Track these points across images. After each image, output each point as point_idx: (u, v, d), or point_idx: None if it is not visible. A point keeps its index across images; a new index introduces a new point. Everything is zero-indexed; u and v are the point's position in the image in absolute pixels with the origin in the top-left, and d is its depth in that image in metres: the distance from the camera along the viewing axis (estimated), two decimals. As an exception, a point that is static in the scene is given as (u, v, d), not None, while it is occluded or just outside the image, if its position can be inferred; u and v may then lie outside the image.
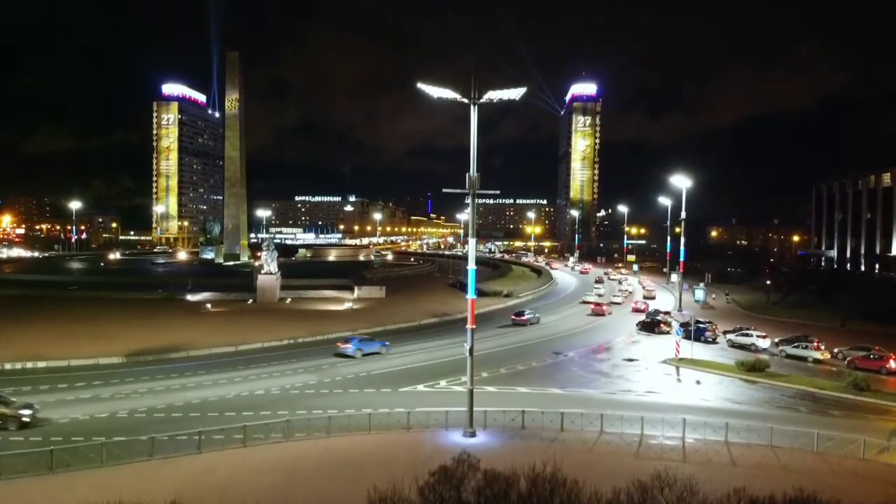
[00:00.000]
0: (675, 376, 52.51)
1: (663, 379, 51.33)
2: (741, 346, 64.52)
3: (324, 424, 35.88)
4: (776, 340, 64.90)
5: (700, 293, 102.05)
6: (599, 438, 35.47)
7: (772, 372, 51.96)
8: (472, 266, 37.59)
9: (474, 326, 36.72)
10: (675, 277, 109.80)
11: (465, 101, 35.84)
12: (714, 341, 67.29)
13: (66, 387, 46.81)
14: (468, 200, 38.64)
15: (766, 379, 50.34)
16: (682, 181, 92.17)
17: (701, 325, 67.74)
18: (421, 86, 35.61)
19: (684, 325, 68.61)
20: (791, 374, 51.53)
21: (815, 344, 61.02)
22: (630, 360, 58.44)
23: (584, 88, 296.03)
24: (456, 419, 36.74)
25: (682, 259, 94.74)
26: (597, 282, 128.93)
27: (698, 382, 50.35)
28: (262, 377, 50.21)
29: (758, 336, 65.16)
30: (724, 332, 69.45)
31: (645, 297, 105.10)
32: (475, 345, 36.99)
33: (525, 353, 60.13)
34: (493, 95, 35.94)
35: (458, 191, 37.95)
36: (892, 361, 54.64)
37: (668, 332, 71.23)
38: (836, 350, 61.18)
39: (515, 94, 35.99)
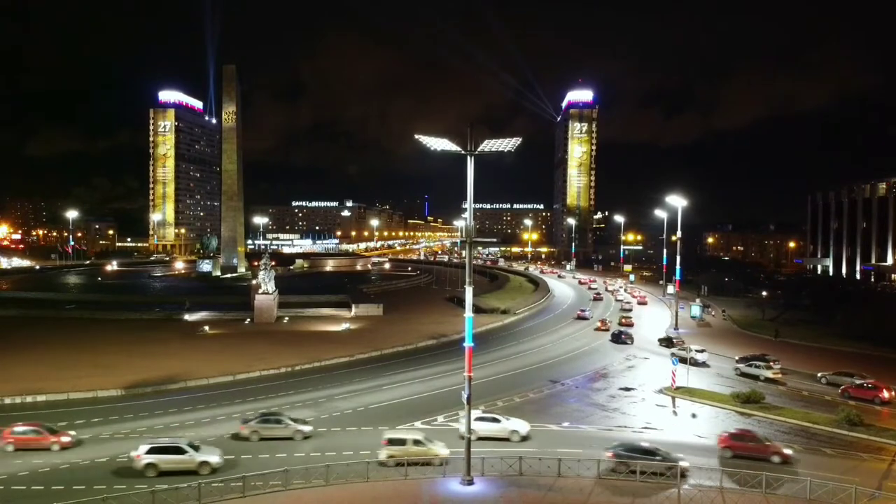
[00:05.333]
0: (670, 408, 52.77)
1: (659, 412, 51.59)
2: (683, 360, 66.21)
3: (322, 472, 36.13)
4: (737, 358, 68.36)
5: (696, 309, 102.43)
6: (595, 486, 35.80)
7: (767, 404, 52.32)
8: (468, 314, 37.90)
9: (471, 375, 37.07)
10: (671, 289, 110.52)
11: (463, 152, 36.20)
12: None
13: (65, 425, 46.89)
14: (465, 233, 39.08)
15: (761, 412, 50.68)
16: (677, 200, 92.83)
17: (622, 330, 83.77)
18: (419, 137, 36.00)
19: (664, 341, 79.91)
20: (785, 408, 51.80)
21: (769, 363, 63.94)
22: (626, 389, 58.81)
23: (581, 95, 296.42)
24: (454, 465, 37.10)
25: (678, 278, 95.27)
26: (595, 299, 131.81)
27: (694, 416, 50.71)
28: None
29: (696, 350, 69.21)
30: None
31: (624, 309, 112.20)
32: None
33: (523, 382, 60.49)
34: (489, 146, 36.30)
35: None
36: (885, 392, 55.11)
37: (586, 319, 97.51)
38: (819, 374, 63.02)
39: (511, 144, 36.36)
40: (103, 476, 37.42)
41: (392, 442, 39.30)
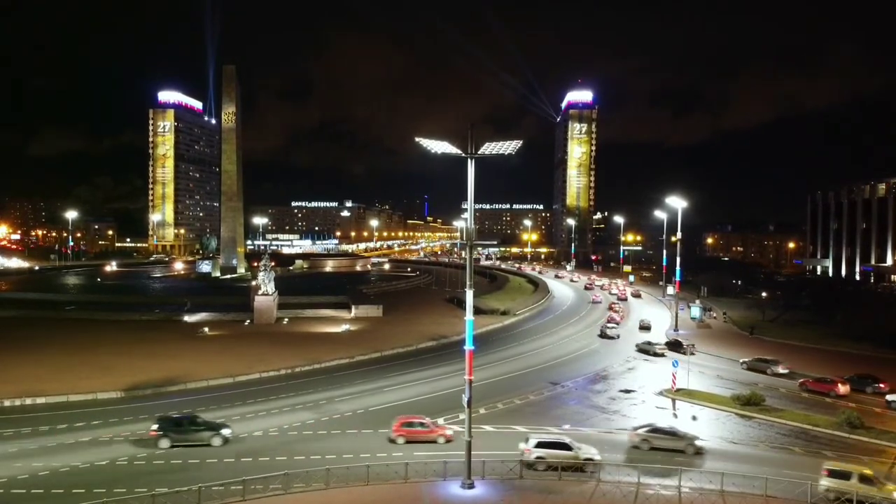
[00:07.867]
0: (671, 411, 52.74)
1: (659, 415, 51.49)
2: (605, 336, 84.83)
3: (322, 475, 36.06)
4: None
5: (696, 311, 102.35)
6: (597, 489, 35.72)
7: (767, 406, 52.32)
8: (469, 317, 37.83)
9: (472, 378, 37.00)
10: (671, 290, 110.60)
11: (463, 155, 36.14)
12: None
13: (65, 427, 46.94)
14: (466, 237, 39.00)
15: (762, 414, 50.65)
16: (677, 201, 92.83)
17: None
18: (419, 139, 35.94)
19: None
20: (785, 410, 51.83)
21: (661, 346, 75.30)
22: (627, 391, 58.77)
23: (580, 95, 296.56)
24: (454, 468, 36.98)
25: (678, 279, 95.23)
26: (587, 288, 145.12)
27: (694, 418, 50.60)
28: (259, 415, 50.40)
29: (610, 326, 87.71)
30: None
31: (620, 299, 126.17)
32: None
33: (523, 384, 60.46)
34: (489, 149, 36.25)
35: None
36: (840, 386, 57.39)
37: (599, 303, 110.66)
38: (741, 360, 69.68)
39: (511, 147, 36.31)
40: (105, 479, 37.34)
41: (834, 474, 34.59)
